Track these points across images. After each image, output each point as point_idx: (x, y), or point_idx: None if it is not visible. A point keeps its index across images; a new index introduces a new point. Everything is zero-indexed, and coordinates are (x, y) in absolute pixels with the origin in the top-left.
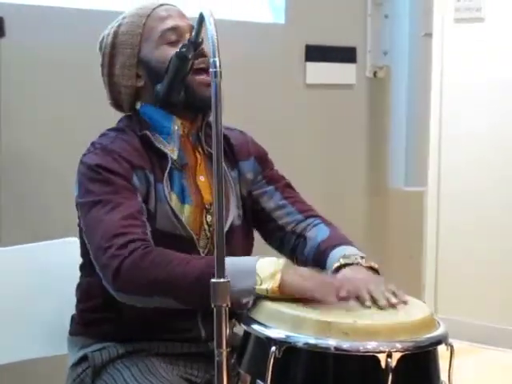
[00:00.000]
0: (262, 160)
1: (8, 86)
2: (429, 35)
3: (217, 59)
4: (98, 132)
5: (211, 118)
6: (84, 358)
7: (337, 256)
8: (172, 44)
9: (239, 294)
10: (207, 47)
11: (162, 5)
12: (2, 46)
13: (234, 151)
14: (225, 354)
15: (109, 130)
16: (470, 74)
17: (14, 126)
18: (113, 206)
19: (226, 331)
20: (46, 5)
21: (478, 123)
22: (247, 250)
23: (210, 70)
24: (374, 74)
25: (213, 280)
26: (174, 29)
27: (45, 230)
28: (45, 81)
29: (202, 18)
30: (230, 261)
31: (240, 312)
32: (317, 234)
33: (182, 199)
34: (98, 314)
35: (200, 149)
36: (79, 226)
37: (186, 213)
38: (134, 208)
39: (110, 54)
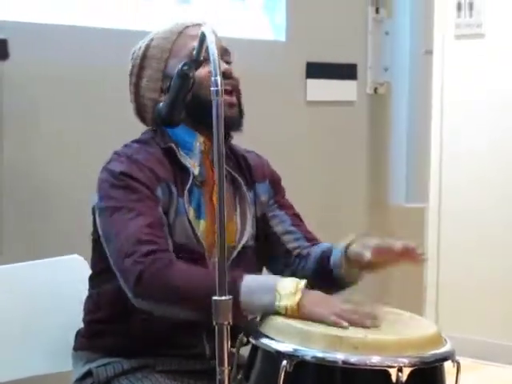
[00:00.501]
0: (276, 184)
1: (11, 103)
2: (429, 52)
3: (218, 78)
4: (100, 148)
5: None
6: (88, 374)
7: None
8: (199, 64)
9: (258, 309)
10: (231, 69)
11: (195, 24)
12: (5, 64)
13: (252, 172)
14: (226, 372)
15: (133, 141)
16: (471, 90)
17: (17, 142)
18: (136, 213)
19: (227, 349)
20: (49, 23)
21: (478, 139)
22: (259, 271)
23: (212, 88)
24: (375, 90)
25: (214, 298)
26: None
27: (48, 244)
28: (47, 98)
29: (203, 37)
30: (250, 277)
31: (247, 326)
32: (318, 247)
33: (198, 214)
34: (105, 326)
35: None
36: (93, 234)
37: (201, 228)
38: (156, 218)
39: (140, 65)
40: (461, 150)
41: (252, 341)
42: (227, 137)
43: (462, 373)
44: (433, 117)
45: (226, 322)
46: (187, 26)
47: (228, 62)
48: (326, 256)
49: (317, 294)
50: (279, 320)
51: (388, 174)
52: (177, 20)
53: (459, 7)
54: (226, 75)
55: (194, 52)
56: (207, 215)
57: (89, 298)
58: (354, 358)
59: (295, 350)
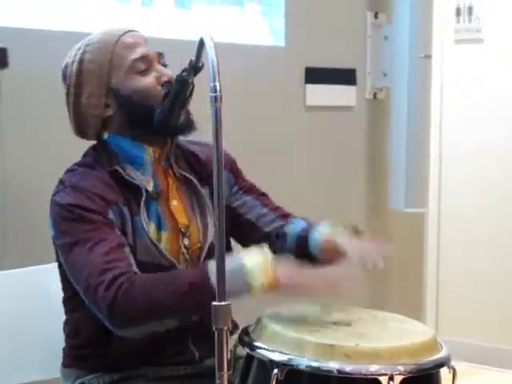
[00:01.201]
0: (234, 169)
1: (10, 110)
2: (428, 57)
3: (217, 84)
4: None
5: (179, 139)
6: None
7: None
8: (142, 73)
9: (235, 294)
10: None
11: (127, 31)
12: (4, 70)
13: (203, 166)
14: (226, 376)
15: (76, 164)
16: (470, 95)
17: (16, 150)
18: (93, 243)
19: (227, 354)
20: (48, 29)
21: (478, 144)
22: None
23: (210, 94)
24: (374, 95)
25: (214, 303)
26: (143, 58)
27: (48, 253)
28: (46, 105)
29: (202, 42)
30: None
31: (242, 336)
32: (295, 227)
33: (159, 227)
34: (88, 349)
35: (171, 172)
36: (57, 260)
37: (164, 240)
38: (114, 242)
39: (76, 83)
40: (460, 154)
41: (246, 350)
42: (173, 139)
43: (459, 377)
44: (432, 122)
45: (225, 327)
46: (120, 35)
47: (165, 65)
48: (303, 240)
49: (288, 264)
50: (272, 328)
51: (387, 179)
52: (105, 29)
53: (458, 12)
54: (171, 82)
55: (194, 58)
56: (168, 225)
57: (66, 322)
58: (348, 367)
59: (289, 360)
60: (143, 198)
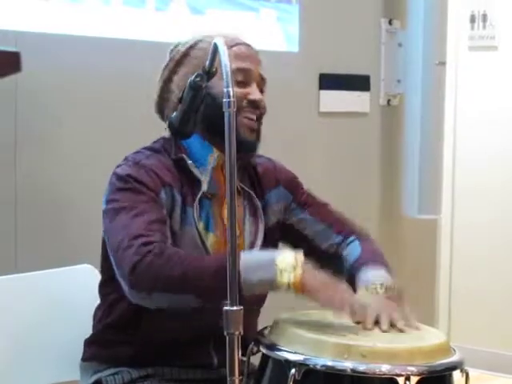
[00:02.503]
0: (292, 185)
1: (25, 113)
2: (442, 63)
3: (230, 89)
4: (115, 158)
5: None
6: (97, 383)
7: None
8: (237, 84)
9: (259, 285)
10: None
11: (246, 44)
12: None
13: (261, 181)
14: (237, 381)
15: (144, 148)
16: (484, 102)
17: (30, 154)
18: (137, 212)
19: (238, 359)
20: (62, 33)
21: (491, 151)
22: None
23: (224, 100)
24: (388, 102)
25: (225, 308)
26: (246, 70)
27: (60, 254)
28: (61, 108)
29: (215, 48)
30: (248, 254)
31: (258, 336)
32: (349, 253)
33: (207, 227)
34: (115, 334)
35: None
36: (103, 240)
37: (210, 241)
38: (157, 216)
39: (178, 61)
40: (474, 161)
41: (262, 350)
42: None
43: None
44: (446, 129)
45: (236, 332)
46: (238, 44)
47: (262, 91)
48: (352, 275)
49: (317, 272)
50: (288, 329)
51: (401, 185)
52: (227, 34)
53: (473, 19)
54: (258, 104)
55: (207, 63)
56: (216, 229)
57: (99, 306)
58: (362, 367)
59: (304, 359)
60: (200, 192)
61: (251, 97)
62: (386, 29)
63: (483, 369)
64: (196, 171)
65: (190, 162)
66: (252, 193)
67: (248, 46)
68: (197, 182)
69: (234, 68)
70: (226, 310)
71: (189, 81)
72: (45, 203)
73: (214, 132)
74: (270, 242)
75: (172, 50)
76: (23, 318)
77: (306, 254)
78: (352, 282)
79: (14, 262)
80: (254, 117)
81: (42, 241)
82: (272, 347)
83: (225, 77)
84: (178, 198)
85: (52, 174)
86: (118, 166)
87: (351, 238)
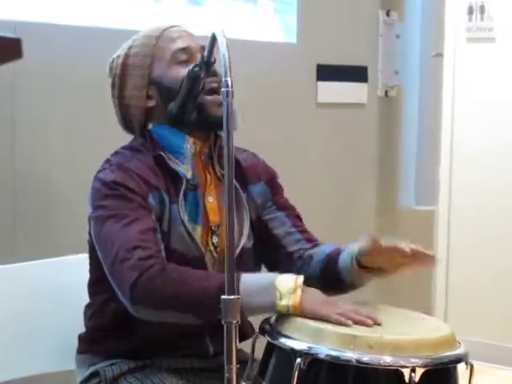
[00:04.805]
0: (273, 184)
1: (22, 104)
2: (440, 55)
3: (229, 79)
4: (111, 148)
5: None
6: (94, 375)
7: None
8: (183, 63)
9: (259, 309)
10: (219, 67)
11: (172, 26)
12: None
13: (244, 174)
14: (234, 369)
15: (123, 148)
16: (482, 93)
17: (28, 143)
18: (128, 220)
19: (236, 347)
20: (62, 23)
21: (488, 142)
22: (257, 273)
23: (222, 89)
24: (386, 93)
25: (223, 297)
26: (184, 49)
27: (58, 246)
28: (59, 99)
29: (214, 38)
30: (248, 277)
31: (263, 325)
32: (322, 249)
33: (194, 219)
34: (108, 332)
35: (211, 169)
36: (89, 242)
37: (197, 233)
38: (149, 225)
39: (121, 75)
40: (471, 152)
41: (268, 339)
42: (217, 136)
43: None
44: (443, 120)
45: (234, 321)
46: (164, 29)
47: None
48: (332, 259)
49: (317, 293)
50: (295, 318)
51: (398, 176)
52: (151, 25)
53: (470, 11)
54: (215, 70)
55: (205, 53)
56: (202, 219)
57: (89, 305)
58: (366, 357)
59: (310, 348)
60: (183, 187)
61: None
62: (383, 20)
63: (480, 361)
64: (175, 165)
65: (169, 156)
66: (236, 183)
67: (178, 26)
68: (178, 177)
69: (174, 50)
70: (224, 299)
71: (187, 71)
72: (42, 192)
73: (182, 120)
74: (257, 235)
75: (110, 66)
76: (20, 307)
77: (272, 254)
78: (328, 269)
79: (11, 252)
80: (215, 85)
81: (39, 230)
82: (278, 336)
83: (223, 66)
84: (166, 198)
85: (51, 163)
86: (99, 171)
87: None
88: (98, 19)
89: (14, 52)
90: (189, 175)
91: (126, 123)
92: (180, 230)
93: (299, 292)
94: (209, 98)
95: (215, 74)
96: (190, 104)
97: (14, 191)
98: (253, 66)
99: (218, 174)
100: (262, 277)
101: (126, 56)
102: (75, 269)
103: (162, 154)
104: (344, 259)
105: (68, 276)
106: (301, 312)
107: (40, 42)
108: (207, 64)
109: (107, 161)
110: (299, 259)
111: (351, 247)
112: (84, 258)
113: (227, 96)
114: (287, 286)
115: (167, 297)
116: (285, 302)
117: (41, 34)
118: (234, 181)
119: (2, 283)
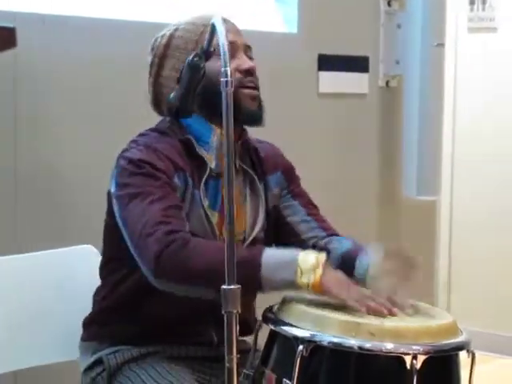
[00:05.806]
0: (290, 174)
1: (24, 97)
2: (441, 45)
3: (228, 68)
4: (114, 139)
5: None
6: (98, 362)
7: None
8: None
9: (279, 284)
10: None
11: (223, 19)
12: (17, 58)
13: (262, 164)
14: (235, 360)
15: (150, 129)
16: (483, 83)
17: (31, 132)
18: (154, 198)
19: (236, 337)
20: (63, 14)
21: (491, 132)
22: None
23: (221, 79)
24: (387, 83)
25: (223, 286)
26: (230, 43)
27: (61, 234)
28: (60, 91)
29: (213, 28)
30: (271, 251)
31: (266, 313)
32: (338, 245)
33: (213, 206)
34: (115, 314)
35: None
36: (106, 221)
37: (215, 219)
38: (174, 202)
39: (162, 55)
40: (473, 143)
41: (271, 327)
42: (242, 131)
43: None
44: (445, 110)
45: (234, 311)
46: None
47: (251, 58)
48: (348, 260)
49: (338, 273)
50: (297, 306)
51: (399, 166)
52: (202, 13)
53: (472, 1)
54: (252, 72)
55: (205, 43)
56: (220, 207)
57: (101, 287)
58: (368, 344)
59: (312, 335)
60: (207, 172)
61: (243, 66)
62: (384, 10)
63: (483, 350)
64: (202, 151)
65: (196, 143)
66: (253, 173)
67: (228, 20)
68: (203, 163)
69: (217, 42)
70: (224, 289)
71: (187, 60)
72: (45, 183)
73: (213, 112)
74: (270, 225)
75: (153, 46)
76: (24, 298)
77: (284, 241)
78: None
79: (14, 243)
80: (252, 84)
81: (42, 221)
82: (280, 323)
83: (222, 56)
84: (190, 181)
85: (53, 153)
86: (125, 150)
87: (336, 236)
88: (95, 10)
89: (8, 41)
90: (212, 164)
91: (157, 103)
92: (199, 214)
93: (320, 270)
94: (245, 91)
95: (252, 73)
96: (191, 94)
97: (16, 181)
98: (254, 57)
99: (238, 167)
100: (285, 252)
101: (171, 37)
102: (79, 259)
103: (191, 137)
104: (360, 268)
105: (72, 267)
106: (319, 290)
107: (40, 32)
108: (206, 53)
109: (133, 141)
110: (314, 248)
111: (366, 262)
112: (86, 248)
113: (226, 86)
114: (309, 263)
115: (191, 270)
116: (305, 280)
117: (43, 25)
118: (251, 171)
119: (5, 274)
